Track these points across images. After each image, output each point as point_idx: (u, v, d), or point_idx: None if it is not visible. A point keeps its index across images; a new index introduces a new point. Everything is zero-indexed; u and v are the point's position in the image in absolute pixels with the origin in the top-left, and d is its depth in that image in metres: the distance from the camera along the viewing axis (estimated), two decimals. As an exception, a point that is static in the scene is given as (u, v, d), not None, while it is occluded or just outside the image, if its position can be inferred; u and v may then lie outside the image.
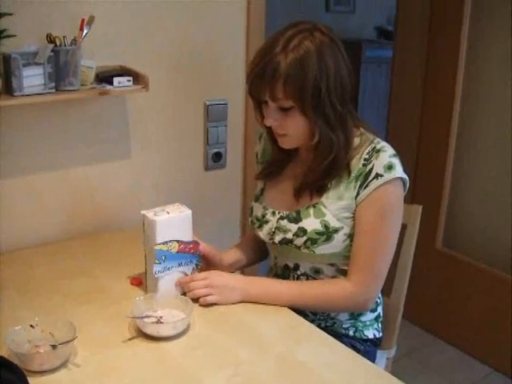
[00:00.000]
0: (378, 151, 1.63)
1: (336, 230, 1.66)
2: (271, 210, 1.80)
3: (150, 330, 1.53)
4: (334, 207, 1.67)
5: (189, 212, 1.72)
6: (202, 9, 2.33)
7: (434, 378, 2.99)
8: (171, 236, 1.68)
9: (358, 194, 1.63)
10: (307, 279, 1.79)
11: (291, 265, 1.81)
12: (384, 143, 1.67)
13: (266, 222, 1.80)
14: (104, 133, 2.23)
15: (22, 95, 1.87)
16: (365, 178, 1.62)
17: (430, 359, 3.14)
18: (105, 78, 2.05)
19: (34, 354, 1.40)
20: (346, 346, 1.56)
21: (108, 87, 2.02)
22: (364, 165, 1.63)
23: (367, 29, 5.80)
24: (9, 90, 1.88)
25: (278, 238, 1.76)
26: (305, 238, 1.69)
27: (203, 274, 1.70)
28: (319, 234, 1.67)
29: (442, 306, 3.28)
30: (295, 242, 1.72)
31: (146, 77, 2.06)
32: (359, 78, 5.29)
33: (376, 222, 1.63)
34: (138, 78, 2.08)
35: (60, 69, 1.94)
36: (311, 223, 1.68)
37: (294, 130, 1.63)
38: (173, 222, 1.68)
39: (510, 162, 2.90)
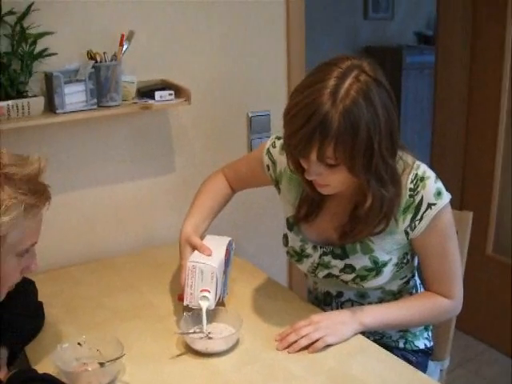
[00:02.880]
0: (423, 179, 1.53)
1: (385, 264, 1.61)
2: (311, 244, 1.69)
3: (199, 346, 1.50)
4: (382, 241, 1.60)
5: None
6: (242, 20, 2.32)
7: (489, 389, 2.91)
8: (222, 271, 1.64)
9: (410, 227, 1.56)
10: (352, 304, 1.74)
11: (334, 292, 1.77)
12: (423, 166, 1.57)
13: (307, 256, 1.71)
14: (147, 148, 2.23)
15: (65, 112, 1.88)
16: (416, 210, 1.54)
17: (484, 369, 3.05)
18: (146, 92, 2.05)
19: (82, 373, 1.39)
20: (398, 358, 1.52)
21: (150, 102, 2.02)
22: (411, 196, 1.54)
23: (407, 35, 5.72)
24: (51, 108, 1.90)
25: (321, 273, 1.71)
26: (353, 275, 1.63)
27: (305, 321, 1.57)
28: (369, 270, 1.61)
29: (493, 313, 3.19)
30: (342, 278, 1.67)
31: (188, 90, 2.05)
32: (400, 86, 5.23)
33: (443, 246, 1.59)
34: (179, 92, 2.07)
35: (101, 85, 1.94)
36: (359, 260, 1.62)
37: (339, 182, 1.49)
38: (221, 267, 1.62)
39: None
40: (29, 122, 1.85)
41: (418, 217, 1.54)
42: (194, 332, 1.55)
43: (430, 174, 1.55)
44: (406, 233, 1.58)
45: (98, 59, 1.94)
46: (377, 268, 1.60)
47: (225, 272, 1.67)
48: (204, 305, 1.56)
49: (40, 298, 1.67)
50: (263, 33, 2.39)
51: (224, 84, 2.34)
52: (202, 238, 1.71)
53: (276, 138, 1.78)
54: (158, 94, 2.02)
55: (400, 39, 5.62)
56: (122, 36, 1.97)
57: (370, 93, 1.37)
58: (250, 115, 2.42)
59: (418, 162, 1.57)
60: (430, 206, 1.53)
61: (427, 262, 1.64)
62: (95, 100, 1.94)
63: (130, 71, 2.03)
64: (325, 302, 1.79)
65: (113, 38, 1.98)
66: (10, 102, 1.81)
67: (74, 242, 2.17)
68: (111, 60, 1.96)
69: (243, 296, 1.83)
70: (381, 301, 1.72)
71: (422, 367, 1.76)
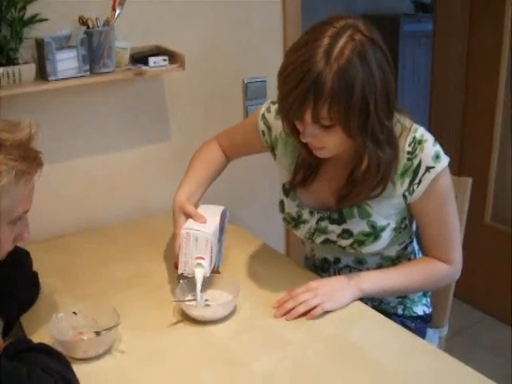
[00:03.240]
0: (421, 142, 1.51)
1: (383, 229, 1.59)
2: (308, 210, 1.67)
3: (196, 313, 1.49)
4: (379, 206, 1.58)
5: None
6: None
7: (487, 356, 2.91)
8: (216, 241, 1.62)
9: (409, 191, 1.54)
10: (350, 271, 1.73)
11: (331, 258, 1.75)
12: (421, 129, 1.54)
13: (304, 222, 1.69)
14: (141, 115, 2.20)
15: (57, 79, 1.85)
16: (414, 174, 1.52)
17: (482, 337, 3.07)
18: (140, 58, 2.01)
19: (78, 342, 1.38)
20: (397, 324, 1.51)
21: (144, 68, 1.99)
22: (409, 159, 1.52)
23: (404, 2, 5.66)
24: (43, 75, 1.86)
25: (319, 239, 1.69)
26: (351, 240, 1.62)
27: (302, 288, 1.55)
28: (366, 235, 1.60)
29: (491, 282, 3.20)
30: (339, 243, 1.65)
31: (182, 55, 2.02)
32: (398, 54, 5.18)
33: (442, 210, 1.58)
34: (174, 58, 2.04)
35: (94, 51, 1.91)
36: (357, 225, 1.60)
37: (334, 144, 1.47)
38: (215, 236, 1.61)
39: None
40: (20, 89, 1.82)
41: (417, 180, 1.52)
42: (190, 300, 1.53)
43: (428, 137, 1.53)
44: (404, 197, 1.56)
45: (91, 25, 1.90)
46: (375, 233, 1.59)
47: (219, 240, 1.66)
48: (199, 272, 1.54)
49: (35, 268, 1.65)
50: (259, 9, 2.35)
51: (219, 50, 2.30)
52: (196, 206, 1.69)
53: (271, 102, 1.75)
54: (151, 60, 1.99)
55: (397, 7, 5.56)
56: (115, 1, 1.93)
57: (364, 52, 1.35)
58: (246, 81, 2.39)
59: (415, 125, 1.55)
60: (428, 169, 1.51)
61: (425, 226, 1.63)
62: (88, 66, 1.90)
63: (123, 37, 1.99)
64: (322, 268, 1.78)
65: (105, 2, 1.94)
66: (0, 70, 1.78)
67: (68, 211, 2.15)
68: (104, 25, 1.92)
69: (239, 263, 1.81)
70: (379, 267, 1.71)
71: (421, 334, 1.75)
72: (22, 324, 1.52)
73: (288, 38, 2.41)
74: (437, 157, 1.51)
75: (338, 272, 1.75)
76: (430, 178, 1.52)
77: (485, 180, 3.11)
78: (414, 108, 5.11)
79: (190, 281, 1.58)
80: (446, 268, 1.63)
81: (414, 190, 1.54)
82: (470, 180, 1.82)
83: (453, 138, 3.19)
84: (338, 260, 1.73)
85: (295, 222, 1.71)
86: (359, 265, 1.71)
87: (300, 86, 1.33)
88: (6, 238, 1.30)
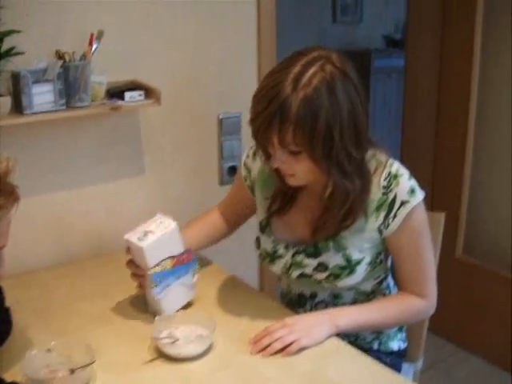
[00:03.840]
0: (396, 176, 1.54)
1: (358, 262, 1.60)
2: (283, 244, 1.69)
3: (171, 350, 1.47)
4: (353, 238, 1.59)
5: (173, 226, 1.66)
6: (213, 22, 2.30)
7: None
8: (162, 255, 1.62)
9: (384, 224, 1.56)
10: (326, 306, 1.72)
11: (308, 293, 1.75)
12: (396, 164, 1.57)
13: (279, 257, 1.69)
14: (117, 149, 2.19)
15: (33, 113, 1.84)
16: (390, 208, 1.54)
17: (456, 370, 3.07)
18: (116, 93, 2.01)
19: (52, 380, 1.35)
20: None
21: (119, 102, 1.99)
22: (384, 193, 1.55)
23: (375, 38, 5.76)
24: (18, 109, 1.85)
25: (294, 273, 1.68)
26: (327, 273, 1.62)
27: (279, 324, 1.54)
28: (342, 268, 1.60)
29: (464, 315, 3.21)
30: (315, 277, 1.65)
31: (158, 90, 2.02)
32: (369, 89, 5.25)
33: (416, 244, 1.60)
34: (150, 93, 2.04)
35: (70, 85, 1.90)
36: (332, 258, 1.61)
37: (303, 171, 1.50)
38: (161, 242, 1.62)
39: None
40: (-5, 122, 1.80)
41: (392, 214, 1.54)
42: (167, 337, 1.51)
43: (404, 172, 1.56)
44: (380, 231, 1.58)
45: (67, 59, 1.90)
46: (350, 266, 1.60)
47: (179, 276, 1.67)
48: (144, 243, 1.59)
49: (8, 304, 1.62)
50: (234, 34, 2.38)
51: (195, 85, 2.31)
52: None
53: (250, 148, 1.79)
54: (127, 95, 1.99)
55: (369, 43, 5.65)
56: (92, 35, 1.93)
57: (333, 83, 1.40)
58: (221, 117, 2.40)
59: (391, 160, 1.58)
60: (403, 203, 1.53)
61: (400, 261, 1.64)
62: (64, 100, 1.89)
63: (99, 71, 1.99)
64: (299, 303, 1.78)
65: (82, 37, 1.94)
66: (-25, 102, 1.77)
67: (43, 246, 2.12)
68: (80, 60, 1.92)
69: (214, 299, 1.80)
70: (354, 302, 1.71)
71: (396, 368, 1.75)
72: (-6, 361, 1.50)
73: (262, 73, 2.42)
74: (412, 191, 1.54)
75: (315, 307, 1.74)
76: (404, 212, 1.54)
77: (456, 214, 3.14)
78: (386, 139, 5.21)
79: (166, 317, 1.57)
80: (420, 303, 1.64)
81: (389, 224, 1.56)
82: (443, 215, 1.84)
83: (425, 172, 3.22)
84: (314, 295, 1.73)
85: (271, 257, 1.71)
86: (335, 299, 1.71)
87: (267, 109, 1.39)
88: (-20, 275, 1.28)
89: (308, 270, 1.65)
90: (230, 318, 1.69)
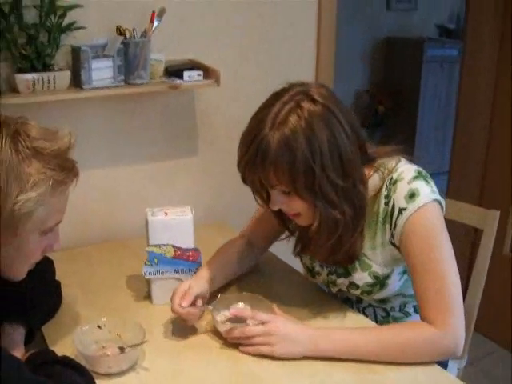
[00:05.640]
0: (395, 182, 1.46)
1: (388, 276, 1.55)
2: (318, 263, 1.68)
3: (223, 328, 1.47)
4: (376, 256, 1.54)
5: (189, 217, 1.63)
6: (275, 9, 2.27)
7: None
8: (166, 239, 1.61)
9: (392, 236, 1.48)
10: (373, 309, 1.69)
11: (353, 298, 1.72)
12: (402, 168, 1.48)
13: (318, 273, 1.70)
14: (171, 129, 2.19)
15: (91, 88, 1.84)
16: (390, 218, 1.47)
17: (495, 369, 3.02)
18: (174, 72, 2.01)
19: (103, 357, 1.36)
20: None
21: (178, 81, 1.97)
22: (386, 203, 1.48)
23: (429, 27, 5.66)
24: (78, 83, 1.86)
25: (334, 289, 1.68)
26: (359, 290, 1.60)
27: (266, 317, 1.45)
28: (371, 285, 1.57)
29: (508, 313, 3.16)
30: (352, 293, 1.64)
31: (218, 71, 2.01)
32: (420, 79, 5.18)
33: (426, 255, 1.43)
34: (208, 73, 2.03)
35: (129, 62, 1.90)
36: (360, 277, 1.57)
37: (303, 208, 1.45)
38: (169, 225, 1.61)
39: None
40: (54, 96, 1.82)
41: (393, 224, 1.47)
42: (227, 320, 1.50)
43: (406, 175, 1.46)
44: (393, 244, 1.50)
45: (128, 35, 1.90)
46: (379, 282, 1.56)
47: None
48: None
49: (57, 278, 1.63)
50: (295, 14, 2.34)
51: (253, 67, 2.29)
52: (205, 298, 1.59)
53: None
54: (186, 74, 1.98)
55: (422, 31, 5.56)
56: (153, 13, 1.92)
57: (310, 119, 1.36)
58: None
59: (399, 164, 1.50)
60: (400, 211, 1.44)
61: (416, 278, 1.46)
62: (122, 77, 1.90)
63: (158, 49, 1.99)
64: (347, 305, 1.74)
65: (143, 14, 1.94)
66: (35, 75, 1.78)
67: (93, 221, 2.13)
68: (140, 37, 1.92)
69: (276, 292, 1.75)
70: (404, 304, 1.67)
71: (443, 366, 1.72)
72: (44, 333, 1.50)
73: (321, 55, 2.41)
74: (411, 195, 1.43)
75: (362, 311, 1.71)
76: (402, 220, 1.44)
77: (506, 211, 3.08)
78: (433, 134, 5.13)
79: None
80: (433, 333, 1.40)
81: (393, 235, 1.48)
82: (497, 213, 1.79)
83: (476, 167, 3.16)
84: (360, 300, 1.70)
85: (311, 272, 1.73)
86: (382, 303, 1.67)
87: (249, 152, 1.39)
88: (36, 249, 1.28)
89: (343, 288, 1.64)
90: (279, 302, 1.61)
